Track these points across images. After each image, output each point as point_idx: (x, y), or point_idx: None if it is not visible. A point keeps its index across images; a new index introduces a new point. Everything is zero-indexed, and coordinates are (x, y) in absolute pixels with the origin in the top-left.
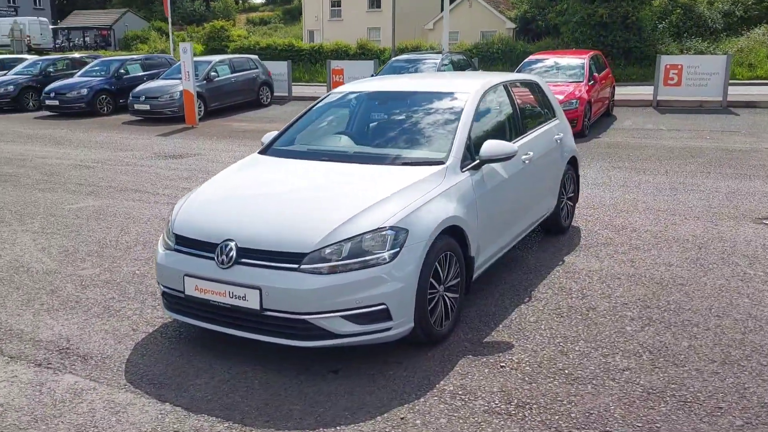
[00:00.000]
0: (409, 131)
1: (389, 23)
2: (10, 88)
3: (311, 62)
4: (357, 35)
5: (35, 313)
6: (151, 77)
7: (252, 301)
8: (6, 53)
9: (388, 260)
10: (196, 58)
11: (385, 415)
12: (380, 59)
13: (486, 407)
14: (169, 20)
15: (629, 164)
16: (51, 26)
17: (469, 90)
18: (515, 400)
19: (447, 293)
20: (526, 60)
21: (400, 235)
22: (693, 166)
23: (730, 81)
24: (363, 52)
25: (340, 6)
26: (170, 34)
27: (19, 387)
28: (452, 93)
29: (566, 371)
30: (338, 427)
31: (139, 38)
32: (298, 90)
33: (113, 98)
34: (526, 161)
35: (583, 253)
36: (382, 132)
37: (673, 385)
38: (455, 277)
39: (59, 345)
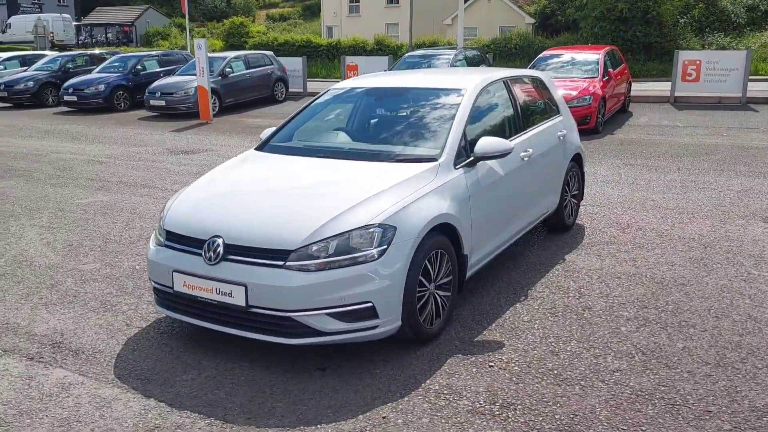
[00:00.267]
0: (404, 128)
1: (407, 19)
2: (30, 84)
3: (329, 58)
4: (375, 31)
5: (33, 307)
6: (168, 73)
7: (238, 298)
8: (30, 49)
9: (375, 257)
10: (211, 54)
11: (367, 413)
12: (397, 55)
13: (470, 407)
14: (186, 17)
15: (641, 161)
16: (74, 23)
17: (467, 86)
18: (500, 401)
19: (438, 291)
20: (540, 56)
21: (388, 233)
22: (706, 164)
23: (751, 77)
24: (380, 48)
25: (358, 2)
26: (187, 30)
27: (9, 380)
28: (449, 89)
29: (555, 372)
30: (318, 426)
31: (160, 34)
32: (314, 86)
33: (130, 94)
34: (525, 158)
35: (585, 251)
36: (379, 128)
37: (663, 388)
38: (447, 275)
39: (53, 339)
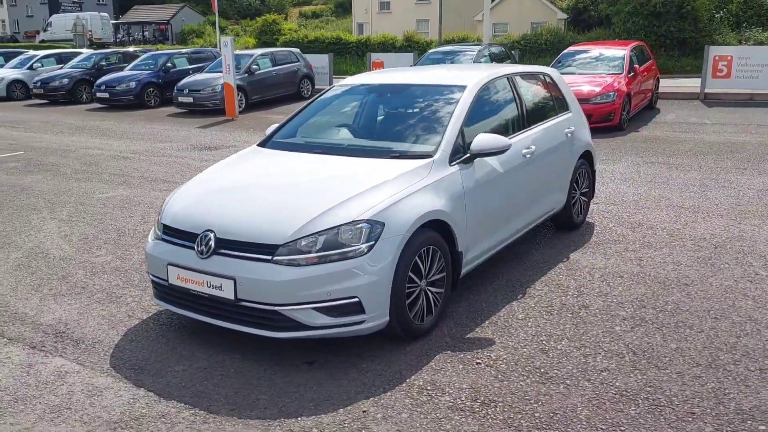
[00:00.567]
0: (404, 124)
1: (437, 15)
2: (65, 81)
3: (358, 55)
4: (406, 27)
5: (42, 297)
6: (197, 71)
7: (227, 291)
8: (69, 47)
9: (365, 253)
10: (238, 52)
11: (348, 407)
12: (425, 51)
13: (451, 403)
14: (216, 15)
15: (663, 159)
16: (112, 21)
17: (467, 83)
18: (482, 398)
19: (430, 288)
20: (565, 51)
21: (376, 228)
22: (730, 162)
23: None
24: (409, 45)
25: None
26: (217, 27)
27: (10, 368)
28: (450, 86)
29: (542, 370)
30: (299, 418)
31: (195, 32)
32: None
33: (160, 91)
34: (527, 155)
35: (591, 250)
36: (380, 125)
37: (648, 388)
38: (439, 271)
39: (57, 329)
